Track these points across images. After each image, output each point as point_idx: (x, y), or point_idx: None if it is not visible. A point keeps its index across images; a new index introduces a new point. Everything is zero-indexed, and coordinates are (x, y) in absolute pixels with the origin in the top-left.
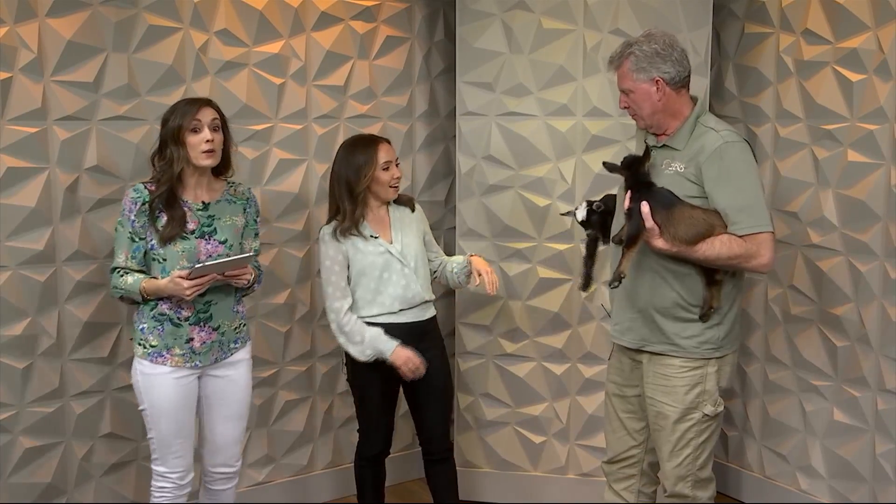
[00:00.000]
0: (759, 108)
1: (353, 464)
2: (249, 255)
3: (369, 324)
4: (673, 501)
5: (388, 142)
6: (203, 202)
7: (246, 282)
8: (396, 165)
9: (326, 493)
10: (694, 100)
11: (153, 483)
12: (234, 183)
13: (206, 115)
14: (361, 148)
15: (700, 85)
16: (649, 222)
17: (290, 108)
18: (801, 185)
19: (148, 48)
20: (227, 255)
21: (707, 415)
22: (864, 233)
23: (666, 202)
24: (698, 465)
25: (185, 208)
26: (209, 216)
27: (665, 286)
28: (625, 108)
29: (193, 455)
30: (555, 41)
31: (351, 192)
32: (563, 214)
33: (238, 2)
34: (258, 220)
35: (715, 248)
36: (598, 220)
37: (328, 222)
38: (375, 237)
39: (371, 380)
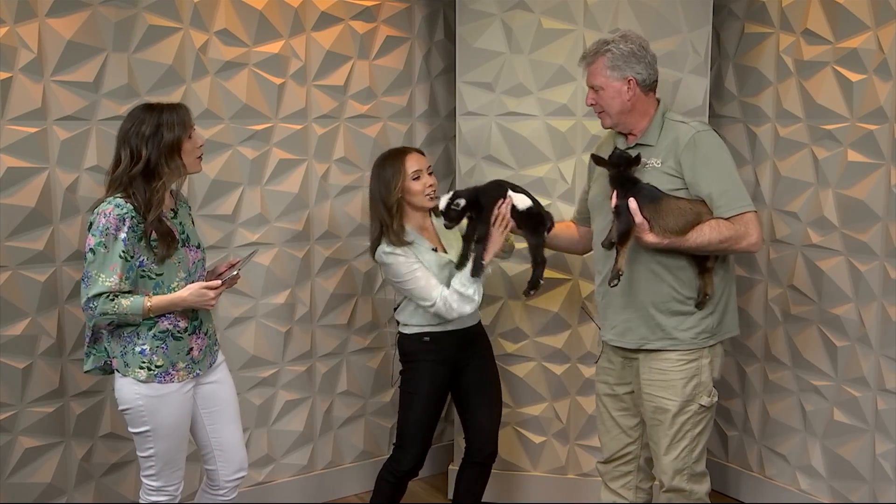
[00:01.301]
0: (759, 108)
1: (353, 463)
2: (255, 252)
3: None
4: (671, 497)
5: (420, 151)
6: (172, 210)
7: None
8: (430, 174)
9: (326, 493)
10: (658, 100)
11: (146, 496)
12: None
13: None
14: (390, 161)
15: (700, 85)
16: (638, 218)
17: (290, 108)
18: (801, 185)
19: (148, 48)
20: (203, 261)
21: (703, 406)
22: (864, 233)
23: (652, 196)
24: (694, 458)
25: (164, 219)
26: (180, 223)
27: (659, 282)
28: (591, 104)
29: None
30: (555, 41)
31: (386, 205)
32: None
33: (238, 2)
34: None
35: (705, 234)
36: (457, 215)
37: (374, 240)
38: (434, 250)
39: (424, 387)
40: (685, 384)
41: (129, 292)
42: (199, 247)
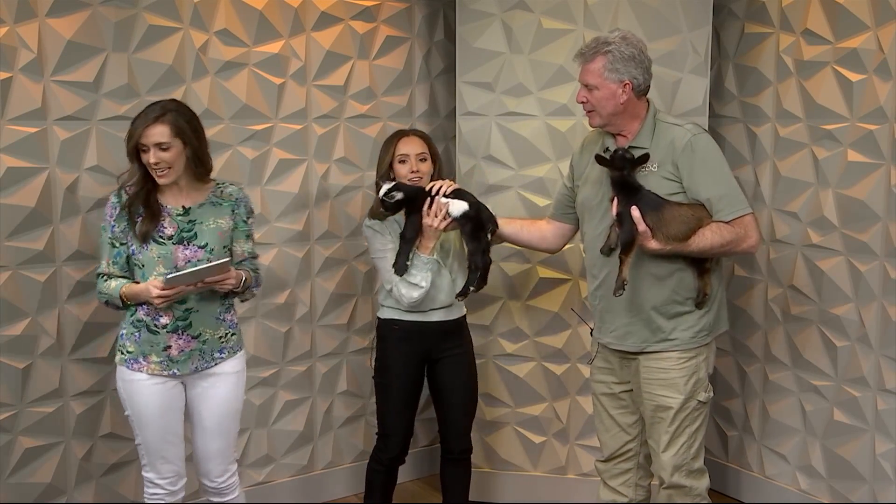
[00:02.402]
0: (759, 108)
1: (353, 462)
2: (224, 262)
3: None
4: (672, 493)
5: (420, 136)
6: (184, 207)
7: (231, 287)
8: (422, 160)
9: (326, 492)
10: (648, 101)
11: (145, 490)
12: (222, 184)
13: (152, 137)
14: (388, 140)
15: (700, 85)
16: (642, 226)
17: (290, 108)
18: (801, 185)
19: (148, 48)
20: (207, 261)
21: (701, 401)
22: (864, 233)
23: (654, 204)
24: (692, 454)
25: (165, 213)
26: (190, 221)
27: (661, 285)
28: (582, 102)
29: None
30: (555, 41)
31: (375, 179)
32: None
33: (238, 2)
34: (250, 220)
35: (707, 238)
36: (391, 206)
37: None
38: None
39: (394, 375)
40: (686, 382)
41: (124, 277)
42: (205, 247)
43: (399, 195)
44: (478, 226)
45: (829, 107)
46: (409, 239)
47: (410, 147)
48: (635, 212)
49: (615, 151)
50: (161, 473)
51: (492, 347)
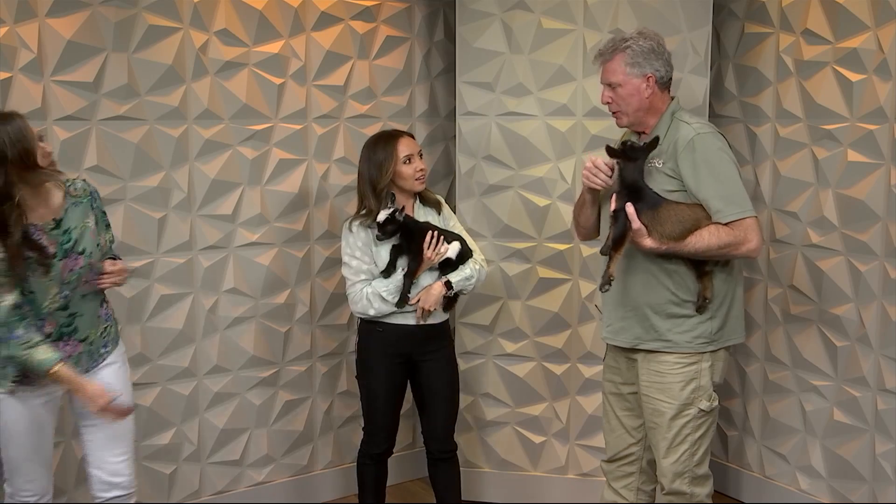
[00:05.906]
0: (759, 108)
1: (353, 463)
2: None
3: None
4: (671, 500)
5: (411, 135)
6: (54, 219)
7: (117, 283)
8: (420, 157)
9: (326, 493)
10: (671, 98)
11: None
12: (69, 182)
13: None
14: (382, 145)
15: (700, 85)
16: (636, 223)
17: (290, 108)
18: (801, 185)
19: (148, 48)
20: (88, 267)
21: (703, 410)
22: (864, 233)
23: (651, 202)
24: (695, 462)
25: (37, 233)
26: (65, 231)
27: (656, 284)
28: (608, 103)
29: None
30: (555, 41)
31: (374, 188)
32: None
33: (238, 2)
34: (104, 209)
35: (704, 239)
36: (393, 229)
37: (354, 215)
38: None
39: (377, 375)
40: (682, 387)
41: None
42: (83, 252)
43: (402, 217)
44: (452, 263)
45: (829, 107)
46: (412, 272)
47: (412, 147)
48: (629, 208)
49: (624, 143)
50: (21, 488)
51: (492, 347)
